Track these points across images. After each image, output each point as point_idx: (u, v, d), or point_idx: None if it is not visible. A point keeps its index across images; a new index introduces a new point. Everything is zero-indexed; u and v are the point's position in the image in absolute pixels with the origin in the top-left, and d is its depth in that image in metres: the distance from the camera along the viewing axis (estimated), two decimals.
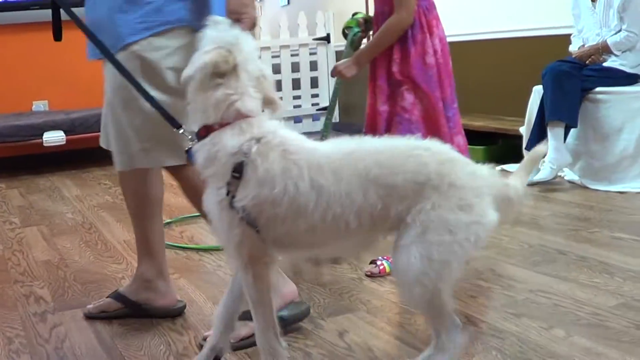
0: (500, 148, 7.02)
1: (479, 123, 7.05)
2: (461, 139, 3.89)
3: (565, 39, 6.25)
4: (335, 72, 3.92)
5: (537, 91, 6.01)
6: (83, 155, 8.15)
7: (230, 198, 2.26)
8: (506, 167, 6.44)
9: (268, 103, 2.44)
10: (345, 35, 4.11)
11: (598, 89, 5.68)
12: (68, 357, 2.99)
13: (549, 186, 5.69)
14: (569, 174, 5.87)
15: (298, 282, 3.61)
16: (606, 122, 5.61)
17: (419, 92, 3.73)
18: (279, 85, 10.13)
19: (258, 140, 2.28)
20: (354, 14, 4.14)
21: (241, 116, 2.31)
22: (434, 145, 2.31)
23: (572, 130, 5.75)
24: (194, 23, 2.83)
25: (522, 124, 6.26)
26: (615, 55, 5.73)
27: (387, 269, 3.72)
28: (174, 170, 3.12)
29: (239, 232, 2.29)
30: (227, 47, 2.33)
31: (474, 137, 7.13)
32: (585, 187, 5.59)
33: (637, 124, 5.39)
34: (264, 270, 2.41)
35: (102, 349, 3.05)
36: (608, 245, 4.11)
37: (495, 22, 7.63)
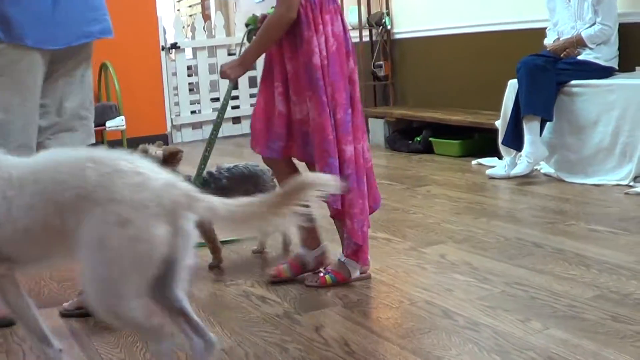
0: (476, 142, 7.04)
1: (455, 117, 7.07)
2: (352, 148, 3.53)
3: (541, 32, 6.26)
4: (222, 74, 3.73)
5: (512, 85, 6.01)
6: None
7: None
8: (482, 160, 6.47)
9: None
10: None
11: (573, 82, 5.69)
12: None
13: (525, 179, 5.70)
14: (545, 167, 5.89)
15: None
16: (581, 115, 5.63)
17: (304, 94, 3.49)
18: (254, 82, 10.11)
19: None
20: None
21: None
22: (103, 155, 2.22)
23: (548, 124, 5.77)
24: None
25: (498, 118, 6.27)
26: (590, 49, 5.74)
27: (328, 281, 3.60)
28: None
29: None
30: None
31: (450, 131, 7.17)
32: (562, 180, 5.60)
33: (613, 116, 5.40)
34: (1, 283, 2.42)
35: (79, 347, 3.04)
36: (584, 238, 4.12)
37: (470, 15, 7.63)
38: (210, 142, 3.86)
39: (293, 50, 3.48)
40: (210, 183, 4.00)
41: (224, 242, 4.26)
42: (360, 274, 3.65)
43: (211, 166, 4.08)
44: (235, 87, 3.95)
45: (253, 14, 3.84)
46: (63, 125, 3.29)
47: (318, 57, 3.42)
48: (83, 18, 3.20)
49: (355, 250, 3.58)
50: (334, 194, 3.37)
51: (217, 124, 3.89)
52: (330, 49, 3.46)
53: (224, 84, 9.81)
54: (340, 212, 3.55)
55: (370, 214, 3.68)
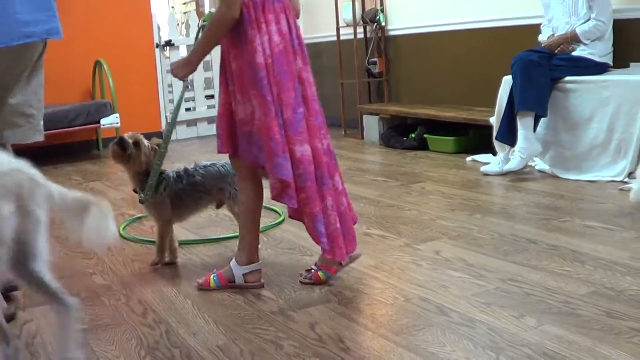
0: (471, 138, 7.05)
1: (449, 114, 7.07)
2: (304, 148, 3.48)
3: (535, 28, 6.26)
4: (171, 72, 3.76)
5: (507, 81, 6.02)
6: (53, 151, 8.11)
7: None
8: (477, 157, 6.47)
9: None
10: None
11: (567, 78, 5.69)
12: (39, 353, 2.97)
13: (519, 176, 5.71)
14: (539, 164, 5.89)
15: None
16: (576, 111, 5.63)
17: (248, 93, 3.45)
18: None
19: None
20: None
21: None
22: None
23: (542, 120, 5.77)
24: None
25: (492, 114, 6.27)
26: (584, 44, 5.74)
27: (322, 277, 3.60)
28: None
29: None
30: None
31: (445, 128, 7.17)
32: (556, 177, 5.60)
33: (607, 112, 5.41)
34: None
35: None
36: (579, 234, 4.12)
37: (464, 12, 7.64)
38: (166, 140, 3.86)
39: (237, 50, 3.44)
40: (183, 179, 4.05)
41: (182, 243, 4.34)
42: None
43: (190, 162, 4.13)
44: (188, 87, 3.92)
45: (209, 11, 3.83)
46: (5, 120, 3.31)
47: (262, 56, 3.39)
48: (24, 19, 3.21)
49: (329, 248, 3.56)
50: (289, 195, 3.45)
51: (171, 122, 3.95)
52: (275, 48, 3.42)
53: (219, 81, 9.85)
54: (297, 212, 3.53)
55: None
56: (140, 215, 5.10)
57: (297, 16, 3.66)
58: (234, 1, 3.34)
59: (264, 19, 3.40)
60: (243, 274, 3.61)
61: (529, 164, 5.85)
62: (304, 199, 3.48)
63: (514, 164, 5.72)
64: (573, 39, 5.76)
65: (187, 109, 9.90)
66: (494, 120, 6.21)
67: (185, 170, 4.10)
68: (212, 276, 3.65)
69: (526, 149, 5.68)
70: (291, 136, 3.44)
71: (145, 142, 3.97)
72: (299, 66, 3.51)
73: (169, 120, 3.88)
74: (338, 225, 3.55)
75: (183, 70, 3.66)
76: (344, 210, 3.61)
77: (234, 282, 3.62)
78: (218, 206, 4.23)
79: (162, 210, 4.00)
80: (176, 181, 4.04)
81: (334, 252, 3.54)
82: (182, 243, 4.35)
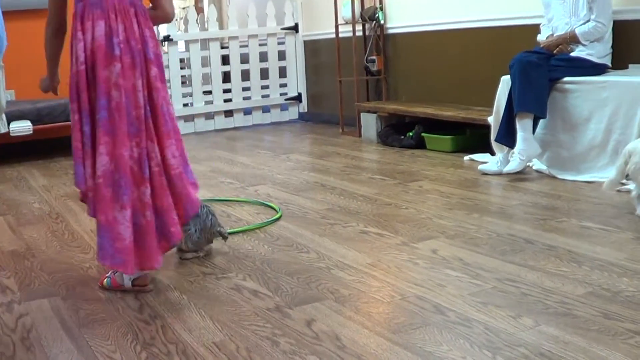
0: (469, 138, 7.05)
1: (447, 113, 7.06)
2: (105, 156, 3.42)
3: (534, 28, 6.26)
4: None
5: (505, 81, 6.01)
6: (50, 144, 8.11)
7: None
8: (474, 156, 6.48)
9: None
10: None
11: (566, 79, 5.69)
12: (34, 347, 2.96)
13: (517, 176, 5.71)
14: (537, 164, 5.89)
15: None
16: (574, 112, 5.63)
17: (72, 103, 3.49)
18: (247, 75, 10.13)
19: None
20: None
21: None
22: None
23: (540, 120, 5.77)
24: None
25: (490, 114, 6.27)
26: (583, 45, 5.74)
27: (105, 284, 3.64)
28: None
29: None
30: None
31: (443, 127, 7.17)
32: (554, 177, 5.60)
33: (605, 113, 5.41)
34: None
35: (69, 339, 3.03)
36: (576, 235, 4.12)
37: (463, 11, 7.64)
38: None
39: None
40: None
41: None
42: (133, 284, 3.61)
43: None
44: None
45: None
46: None
47: (75, 65, 3.44)
48: None
49: (121, 261, 3.46)
50: (87, 202, 3.51)
51: None
52: (90, 55, 3.43)
53: (217, 77, 9.86)
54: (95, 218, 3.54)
55: (182, 224, 3.65)
56: None
57: (166, 21, 3.74)
58: (50, 13, 3.53)
59: (82, 27, 3.44)
60: (131, 279, 3.59)
61: (527, 164, 5.85)
62: (101, 207, 3.44)
63: (513, 165, 5.71)
64: (572, 39, 5.76)
65: (185, 105, 9.90)
66: (492, 120, 6.21)
67: None
68: (105, 279, 3.67)
69: (526, 150, 5.67)
70: (97, 141, 3.44)
71: None
72: (115, 72, 3.43)
73: None
74: (132, 239, 3.46)
75: (45, 82, 3.84)
76: (145, 224, 3.49)
77: (123, 284, 3.61)
78: None
79: None
80: None
81: (125, 266, 3.46)
82: None
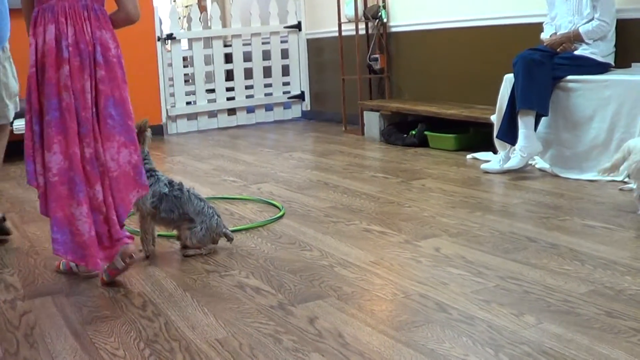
0: (471, 136, 7.05)
1: (450, 111, 7.07)
2: (56, 157, 3.53)
3: (537, 27, 6.26)
4: None
5: (508, 79, 6.02)
6: None
7: None
8: (477, 155, 6.48)
9: None
10: None
11: (569, 77, 5.69)
12: (38, 344, 2.97)
13: (519, 174, 5.71)
14: (540, 162, 5.89)
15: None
16: (577, 110, 5.63)
17: None
18: (250, 73, 10.13)
19: None
20: None
21: None
22: None
23: (543, 119, 5.77)
24: None
25: (493, 112, 6.28)
26: (587, 44, 5.74)
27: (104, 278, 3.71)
28: None
29: None
30: None
31: (445, 125, 7.17)
32: (556, 176, 5.60)
33: (608, 112, 5.41)
34: None
35: (72, 336, 3.03)
36: (578, 233, 4.13)
37: (466, 9, 7.64)
38: None
39: None
40: (173, 188, 4.16)
41: (160, 236, 4.35)
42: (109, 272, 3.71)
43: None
44: None
45: None
46: None
47: (30, 68, 3.57)
48: None
49: (82, 255, 3.60)
50: (44, 198, 3.61)
51: None
52: (40, 58, 3.55)
53: (220, 75, 9.87)
54: (47, 216, 3.64)
55: (122, 226, 3.70)
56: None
57: (129, 22, 3.82)
58: (25, 20, 3.71)
59: (34, 31, 3.58)
60: (77, 264, 3.78)
61: (530, 162, 5.85)
62: (51, 206, 3.57)
63: (514, 162, 5.72)
64: (576, 38, 5.76)
65: (188, 103, 9.91)
66: (495, 119, 6.21)
67: (180, 184, 4.17)
68: (62, 262, 3.92)
69: (527, 147, 5.68)
70: (45, 142, 3.55)
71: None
72: (64, 74, 3.53)
73: None
74: (93, 233, 3.56)
75: None
76: (100, 221, 3.61)
77: (76, 270, 3.84)
78: (178, 237, 4.21)
79: (143, 201, 4.02)
80: (165, 185, 4.08)
81: (87, 261, 3.58)
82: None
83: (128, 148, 3.66)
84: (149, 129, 4.03)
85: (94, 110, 3.57)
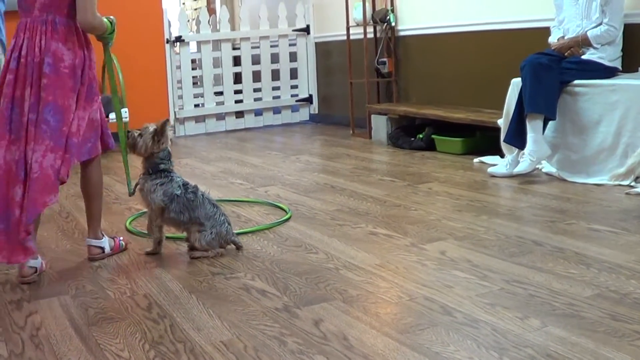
0: (478, 140, 7.05)
1: (457, 115, 7.07)
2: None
3: (544, 31, 6.26)
4: None
5: (515, 83, 6.01)
6: None
7: None
8: (484, 159, 6.48)
9: None
10: None
11: (576, 81, 5.68)
12: (43, 345, 2.98)
13: (526, 178, 5.70)
14: (546, 167, 5.89)
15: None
16: (584, 114, 5.63)
17: None
18: (258, 76, 10.14)
19: None
20: None
21: None
22: None
23: (550, 123, 5.77)
24: None
25: (500, 117, 6.27)
26: (595, 48, 5.74)
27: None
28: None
29: None
30: None
31: (453, 129, 7.17)
32: (563, 180, 5.60)
33: (615, 117, 5.40)
34: None
35: (78, 337, 3.04)
36: (584, 237, 4.12)
37: (474, 13, 7.64)
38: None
39: None
40: (187, 189, 4.21)
41: (168, 238, 4.35)
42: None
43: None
44: None
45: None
46: None
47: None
48: None
49: None
50: None
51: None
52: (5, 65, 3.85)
53: (228, 78, 9.88)
54: None
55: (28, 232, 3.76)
56: (146, 210, 5.10)
57: (87, 29, 3.95)
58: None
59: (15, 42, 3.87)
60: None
61: (537, 166, 5.84)
62: None
63: (523, 166, 5.71)
64: (584, 42, 5.75)
65: (196, 105, 9.93)
66: (502, 123, 6.21)
67: (195, 187, 4.21)
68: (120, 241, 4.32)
69: (536, 151, 5.67)
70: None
71: (151, 128, 4.13)
72: (6, 83, 3.80)
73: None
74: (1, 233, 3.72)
75: None
76: (14, 221, 3.70)
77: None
78: (187, 239, 4.21)
79: (152, 197, 4.05)
80: (179, 186, 4.10)
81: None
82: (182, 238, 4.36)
83: (55, 153, 3.78)
84: (170, 129, 4.12)
85: (30, 116, 3.75)
